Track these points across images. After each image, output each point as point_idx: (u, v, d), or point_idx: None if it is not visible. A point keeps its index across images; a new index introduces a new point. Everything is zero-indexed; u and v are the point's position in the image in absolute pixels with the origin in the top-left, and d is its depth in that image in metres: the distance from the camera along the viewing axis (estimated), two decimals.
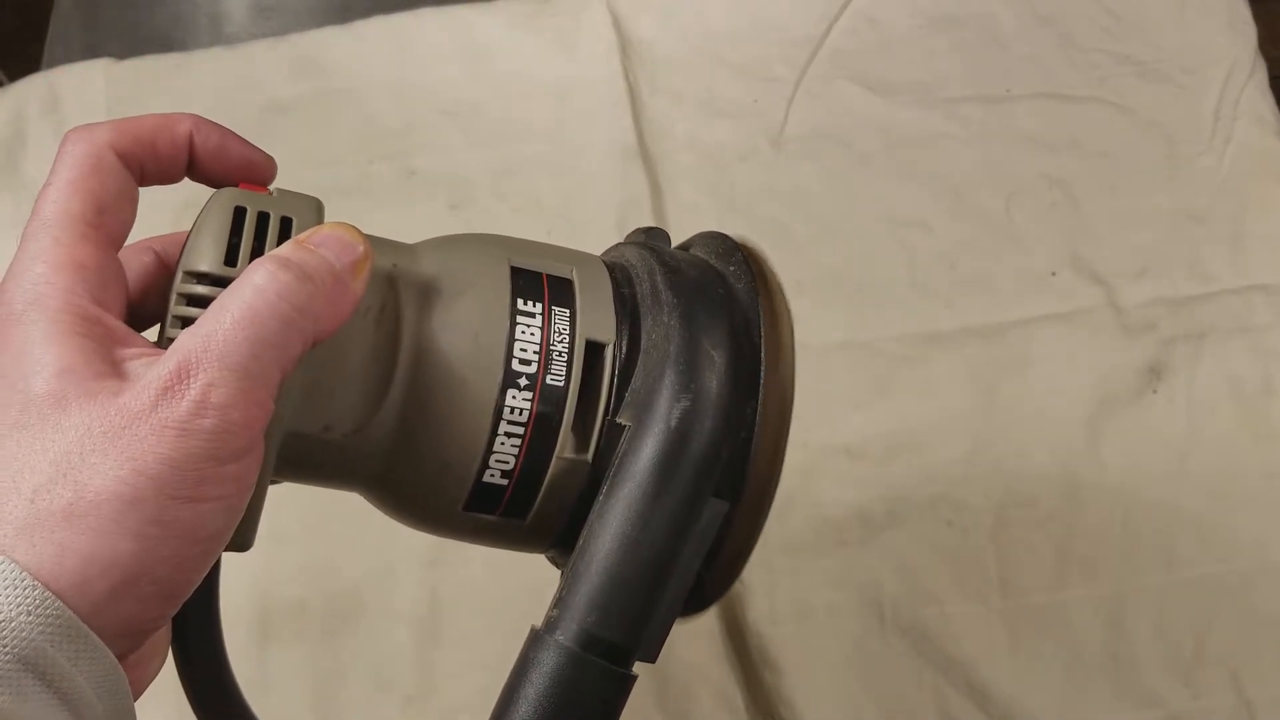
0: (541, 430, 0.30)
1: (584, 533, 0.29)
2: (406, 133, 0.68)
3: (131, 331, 0.28)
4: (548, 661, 0.28)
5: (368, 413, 0.29)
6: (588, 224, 0.64)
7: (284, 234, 0.29)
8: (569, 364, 0.30)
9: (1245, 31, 0.69)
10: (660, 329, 0.31)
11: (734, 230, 0.66)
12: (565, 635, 0.28)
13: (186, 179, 0.32)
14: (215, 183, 0.32)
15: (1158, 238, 0.64)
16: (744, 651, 0.56)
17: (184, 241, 0.30)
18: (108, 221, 0.29)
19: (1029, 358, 0.61)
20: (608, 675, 0.28)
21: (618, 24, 0.70)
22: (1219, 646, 0.56)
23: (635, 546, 0.28)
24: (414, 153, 0.68)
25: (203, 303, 0.27)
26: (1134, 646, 0.56)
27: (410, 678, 0.56)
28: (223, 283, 0.27)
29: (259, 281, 0.26)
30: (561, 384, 0.30)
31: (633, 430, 0.29)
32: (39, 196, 0.28)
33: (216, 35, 0.76)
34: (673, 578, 0.29)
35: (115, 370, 0.26)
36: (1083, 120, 0.67)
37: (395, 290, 0.30)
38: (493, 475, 0.30)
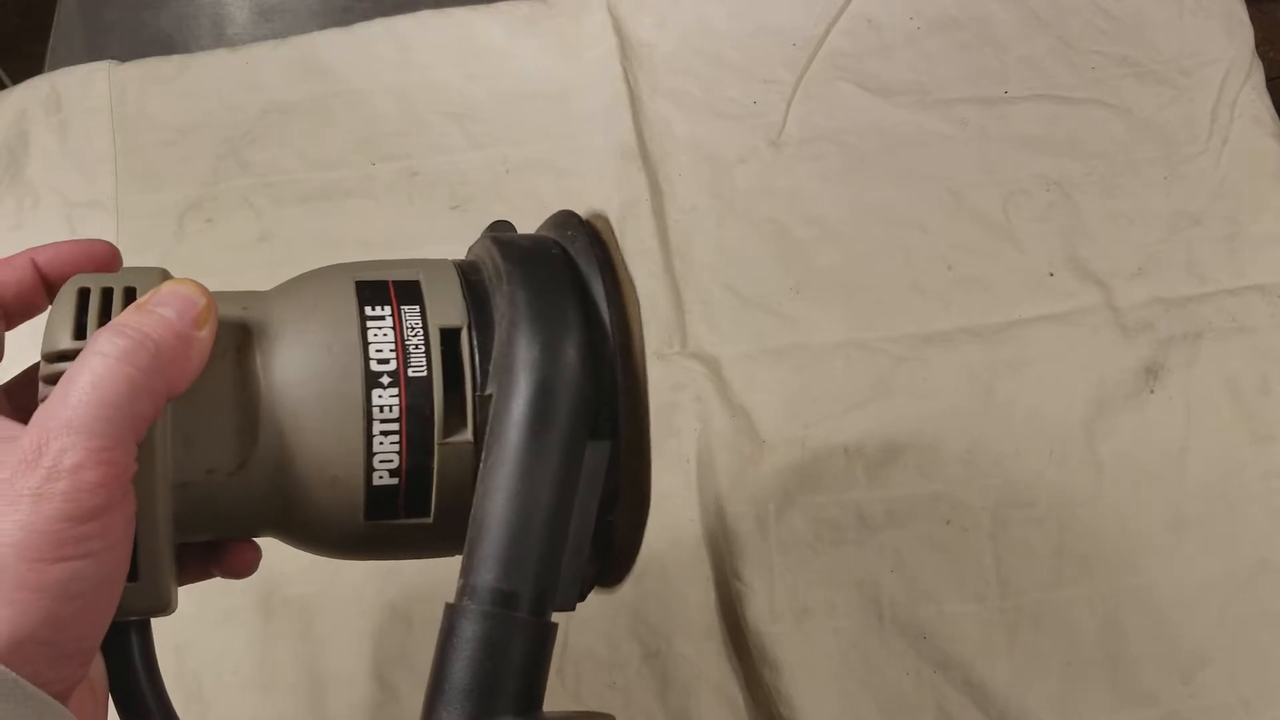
0: (416, 422, 0.31)
1: (474, 502, 0.29)
2: (408, 134, 0.69)
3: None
4: (466, 629, 0.28)
5: (246, 447, 0.31)
6: None
7: (128, 302, 0.30)
8: (427, 354, 0.31)
9: (1242, 33, 0.69)
10: (505, 298, 0.31)
11: (733, 231, 0.67)
12: (476, 600, 0.28)
13: None
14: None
15: (1155, 238, 0.64)
16: (743, 649, 0.57)
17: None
18: None
19: (1026, 358, 0.62)
20: (525, 627, 0.29)
21: (618, 26, 0.70)
22: (1216, 645, 0.56)
23: (522, 498, 0.29)
24: (416, 154, 0.68)
25: (57, 379, 0.28)
26: (1131, 645, 0.56)
27: (413, 677, 0.57)
28: (73, 356, 0.29)
29: (101, 348, 0.28)
30: (424, 374, 0.31)
31: (497, 394, 0.30)
32: None
33: (219, 37, 0.77)
34: (569, 523, 0.29)
35: None
36: (1080, 121, 0.67)
37: (248, 329, 0.32)
38: (381, 477, 0.31)
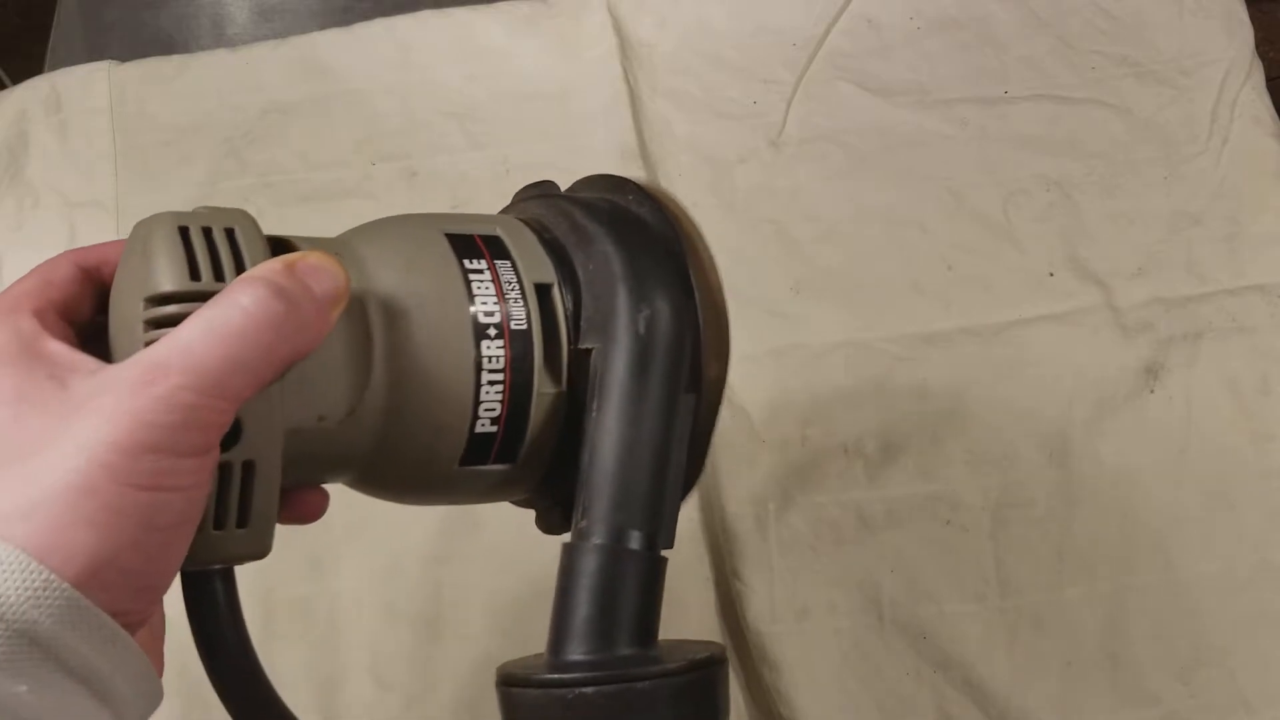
0: (518, 372, 0.32)
1: (585, 449, 0.31)
2: (408, 134, 0.69)
3: (78, 353, 0.28)
4: (589, 564, 0.30)
5: (356, 395, 0.31)
6: None
7: (232, 243, 0.30)
8: (526, 308, 0.33)
9: (1242, 33, 0.69)
10: (596, 258, 0.33)
11: (733, 231, 0.67)
12: (599, 536, 0.30)
13: None
14: None
15: (1155, 238, 0.64)
16: (743, 649, 0.57)
17: (119, 265, 0.31)
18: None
19: (1026, 358, 0.62)
20: (646, 560, 0.31)
21: (618, 26, 0.70)
22: (1216, 645, 0.56)
23: (635, 445, 0.31)
24: (416, 154, 0.68)
25: (172, 321, 0.27)
26: (1131, 645, 0.56)
27: (413, 677, 0.57)
28: (192, 298, 0.28)
29: (246, 304, 0.27)
30: (525, 326, 0.33)
31: (602, 349, 0.32)
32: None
33: (219, 37, 0.77)
34: (670, 467, 0.32)
35: (57, 379, 0.27)
36: (1080, 121, 0.67)
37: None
38: (483, 425, 0.32)
